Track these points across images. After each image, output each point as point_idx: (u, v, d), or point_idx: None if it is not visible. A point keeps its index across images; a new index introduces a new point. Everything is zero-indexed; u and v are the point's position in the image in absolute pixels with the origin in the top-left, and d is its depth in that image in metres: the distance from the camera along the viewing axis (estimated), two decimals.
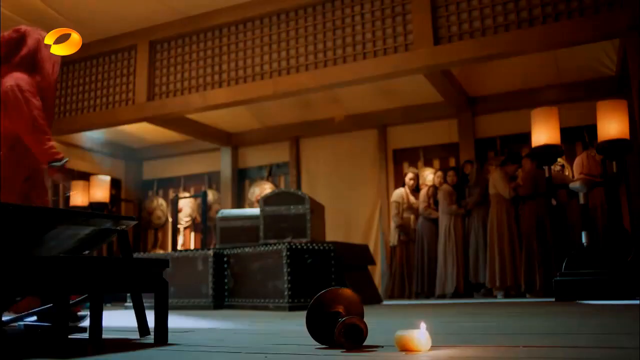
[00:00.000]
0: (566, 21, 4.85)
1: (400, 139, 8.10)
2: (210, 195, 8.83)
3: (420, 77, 6.39)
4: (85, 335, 2.17)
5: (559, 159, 6.47)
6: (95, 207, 7.53)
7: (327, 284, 4.50)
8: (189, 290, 5.13)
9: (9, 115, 3.00)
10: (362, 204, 8.10)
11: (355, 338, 1.60)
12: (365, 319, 1.68)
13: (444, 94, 7.13)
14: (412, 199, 7.37)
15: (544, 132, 4.93)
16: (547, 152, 4.96)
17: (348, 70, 5.67)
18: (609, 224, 5.76)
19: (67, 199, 7.41)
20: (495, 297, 6.32)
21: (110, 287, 1.93)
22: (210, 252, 5.13)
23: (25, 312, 2.21)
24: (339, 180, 8.25)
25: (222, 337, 2.25)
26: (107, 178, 7.86)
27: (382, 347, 1.67)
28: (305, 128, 8.55)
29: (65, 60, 3.44)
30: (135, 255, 4.35)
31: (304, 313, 1.81)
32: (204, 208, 7.05)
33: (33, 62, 3.10)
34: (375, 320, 2.88)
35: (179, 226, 8.62)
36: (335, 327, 1.60)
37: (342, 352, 1.58)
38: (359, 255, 5.91)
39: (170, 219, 9.05)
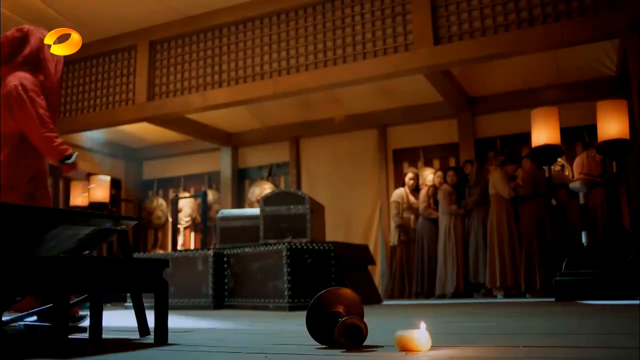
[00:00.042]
0: (566, 21, 4.85)
1: (400, 139, 8.10)
2: (210, 195, 8.83)
3: (420, 77, 6.39)
4: (85, 335, 2.17)
5: (559, 159, 6.47)
6: (95, 207, 7.54)
7: (327, 284, 4.50)
8: (189, 290, 5.13)
9: (14, 115, 3.00)
10: (362, 204, 8.10)
11: (355, 338, 1.60)
12: (365, 319, 1.68)
13: (444, 94, 7.13)
14: (412, 199, 7.37)
15: (544, 132, 4.93)
16: (547, 152, 4.96)
17: (348, 70, 5.67)
18: (609, 224, 5.76)
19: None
20: (495, 297, 6.32)
21: (110, 287, 1.93)
22: (210, 252, 5.13)
23: (25, 312, 2.21)
24: (339, 180, 8.25)
25: (222, 337, 2.25)
26: (107, 178, 7.86)
27: (382, 347, 1.67)
28: (305, 128, 8.55)
29: (66, 60, 3.44)
30: (135, 255, 4.35)
31: (304, 313, 1.81)
32: (204, 208, 7.05)
33: (36, 61, 3.11)
34: (375, 320, 2.88)
35: (179, 226, 8.62)
36: (335, 327, 1.60)
37: (342, 352, 1.58)
38: (359, 255, 5.91)
39: (170, 219, 9.06)
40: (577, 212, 5.78)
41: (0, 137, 3.03)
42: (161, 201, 9.54)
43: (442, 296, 6.70)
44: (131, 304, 2.53)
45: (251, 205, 8.56)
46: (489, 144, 7.62)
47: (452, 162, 7.77)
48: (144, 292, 2.11)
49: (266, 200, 5.36)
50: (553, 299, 4.73)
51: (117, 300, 6.38)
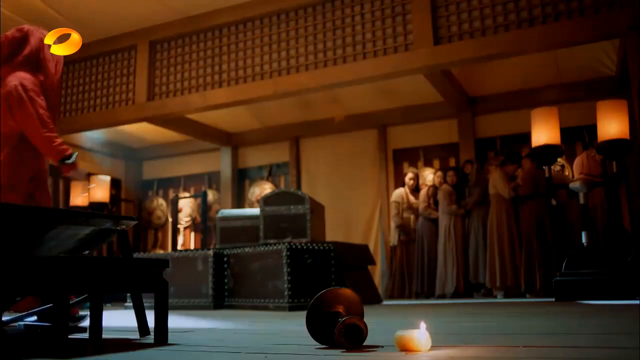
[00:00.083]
0: (566, 21, 4.85)
1: (400, 139, 8.10)
2: (210, 195, 8.83)
3: (420, 77, 6.39)
4: (85, 335, 2.17)
5: (559, 159, 6.47)
6: (95, 207, 7.54)
7: (327, 284, 4.50)
8: (189, 290, 5.13)
9: (14, 115, 3.00)
10: (362, 204, 8.10)
11: (355, 338, 1.60)
12: (365, 319, 1.68)
13: (444, 94, 7.13)
14: (412, 199, 7.37)
15: (544, 132, 4.93)
16: (547, 152, 4.96)
17: (348, 70, 5.67)
18: (609, 224, 5.76)
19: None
20: (495, 297, 6.32)
21: (110, 287, 1.93)
22: (210, 252, 5.13)
23: (25, 312, 2.21)
24: (339, 180, 8.25)
25: (222, 337, 2.25)
26: (107, 178, 7.86)
27: (382, 347, 1.67)
28: (305, 128, 8.56)
29: (66, 60, 3.44)
30: (135, 255, 4.35)
31: (304, 313, 1.81)
32: (204, 208, 7.05)
33: (36, 61, 3.11)
34: (375, 320, 2.88)
35: (179, 226, 8.63)
36: (335, 327, 1.60)
37: (342, 352, 1.58)
38: (359, 255, 5.91)
39: (170, 219, 9.06)
40: (577, 212, 5.78)
41: (0, 137, 3.03)
42: (161, 201, 9.54)
43: (442, 296, 6.70)
44: (131, 304, 2.53)
45: (251, 205, 8.56)
46: (489, 144, 7.62)
47: (452, 162, 7.77)
48: (144, 292, 2.11)
49: (266, 200, 5.36)
50: (553, 299, 4.73)
51: (117, 300, 6.38)
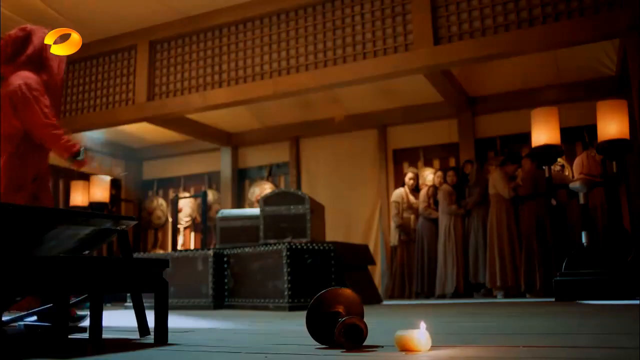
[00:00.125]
0: (566, 21, 4.85)
1: (400, 139, 8.10)
2: (210, 195, 8.83)
3: (420, 77, 6.39)
4: (85, 335, 2.17)
5: (559, 159, 6.47)
6: (95, 207, 7.54)
7: (327, 284, 4.50)
8: (189, 290, 5.13)
9: (19, 114, 3.00)
10: (362, 204, 8.10)
11: (355, 338, 1.60)
12: (365, 319, 1.68)
13: (444, 94, 7.13)
14: (412, 198, 7.37)
15: (544, 132, 4.94)
16: (547, 152, 4.97)
17: (348, 70, 5.67)
18: (609, 224, 5.76)
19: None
20: (495, 297, 6.32)
21: (110, 287, 1.93)
22: (210, 252, 5.13)
23: (25, 312, 2.21)
24: (339, 180, 8.25)
25: (222, 337, 2.25)
26: (107, 178, 7.86)
27: (382, 347, 1.67)
28: (305, 128, 8.55)
29: (67, 60, 3.45)
30: (135, 255, 4.35)
31: (304, 313, 1.81)
32: (204, 208, 7.05)
33: (39, 60, 3.11)
34: (375, 320, 2.88)
35: (179, 226, 8.63)
36: (335, 327, 1.60)
37: (342, 352, 1.58)
38: (359, 255, 5.91)
39: (170, 219, 9.06)
40: (577, 212, 5.78)
41: (3, 137, 3.03)
42: (161, 201, 9.54)
43: (442, 296, 6.70)
44: (131, 304, 2.53)
45: (251, 205, 8.56)
46: (489, 144, 7.62)
47: (452, 162, 7.77)
48: (144, 292, 2.11)
49: (266, 200, 5.36)
50: (553, 299, 4.73)
51: (117, 300, 6.38)
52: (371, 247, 7.39)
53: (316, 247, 4.68)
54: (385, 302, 5.76)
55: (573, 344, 1.69)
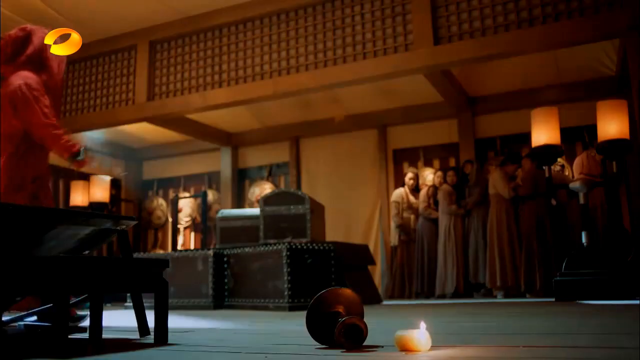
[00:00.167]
0: (566, 21, 4.85)
1: (400, 139, 8.10)
2: (210, 195, 8.83)
3: (420, 77, 6.39)
4: (85, 335, 2.17)
5: (559, 159, 6.47)
6: (95, 207, 7.54)
7: (327, 284, 4.50)
8: (189, 290, 5.13)
9: (19, 114, 3.00)
10: (362, 204, 8.10)
11: (355, 338, 1.60)
12: (365, 319, 1.68)
13: (444, 94, 7.13)
14: (412, 198, 7.37)
15: (544, 132, 4.93)
16: (547, 152, 4.96)
17: (348, 70, 5.67)
18: (609, 224, 5.76)
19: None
20: (495, 297, 6.32)
21: (110, 287, 1.93)
22: (210, 252, 5.13)
23: (25, 312, 2.21)
24: (339, 180, 8.25)
25: (222, 337, 2.25)
26: (107, 178, 7.86)
27: (382, 347, 1.67)
28: (305, 128, 8.55)
29: (67, 60, 3.45)
30: (135, 255, 4.35)
31: (304, 313, 1.81)
32: (204, 208, 7.05)
33: (39, 60, 3.11)
34: (375, 320, 2.88)
35: (179, 226, 8.62)
36: (335, 327, 1.60)
37: (342, 352, 1.58)
38: (359, 255, 5.91)
39: (170, 219, 9.06)
40: (577, 212, 5.78)
41: (3, 137, 3.03)
42: (161, 201, 9.54)
43: (442, 296, 6.70)
44: (131, 304, 2.53)
45: (251, 205, 8.56)
46: (489, 144, 7.62)
47: (452, 162, 7.77)
48: (144, 292, 2.11)
49: (266, 200, 5.36)
50: (553, 299, 4.73)
51: (117, 300, 6.38)
52: (371, 247, 7.39)
53: (316, 247, 4.68)
54: (385, 302, 5.76)
55: (573, 344, 1.69)
